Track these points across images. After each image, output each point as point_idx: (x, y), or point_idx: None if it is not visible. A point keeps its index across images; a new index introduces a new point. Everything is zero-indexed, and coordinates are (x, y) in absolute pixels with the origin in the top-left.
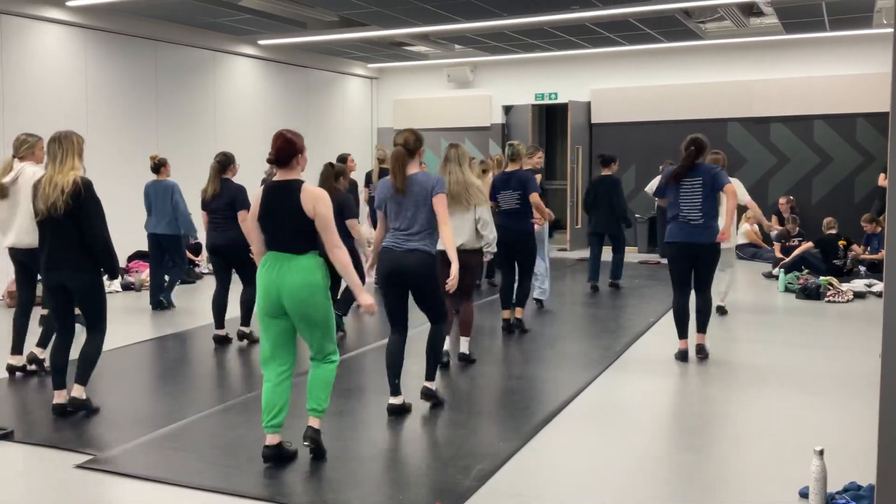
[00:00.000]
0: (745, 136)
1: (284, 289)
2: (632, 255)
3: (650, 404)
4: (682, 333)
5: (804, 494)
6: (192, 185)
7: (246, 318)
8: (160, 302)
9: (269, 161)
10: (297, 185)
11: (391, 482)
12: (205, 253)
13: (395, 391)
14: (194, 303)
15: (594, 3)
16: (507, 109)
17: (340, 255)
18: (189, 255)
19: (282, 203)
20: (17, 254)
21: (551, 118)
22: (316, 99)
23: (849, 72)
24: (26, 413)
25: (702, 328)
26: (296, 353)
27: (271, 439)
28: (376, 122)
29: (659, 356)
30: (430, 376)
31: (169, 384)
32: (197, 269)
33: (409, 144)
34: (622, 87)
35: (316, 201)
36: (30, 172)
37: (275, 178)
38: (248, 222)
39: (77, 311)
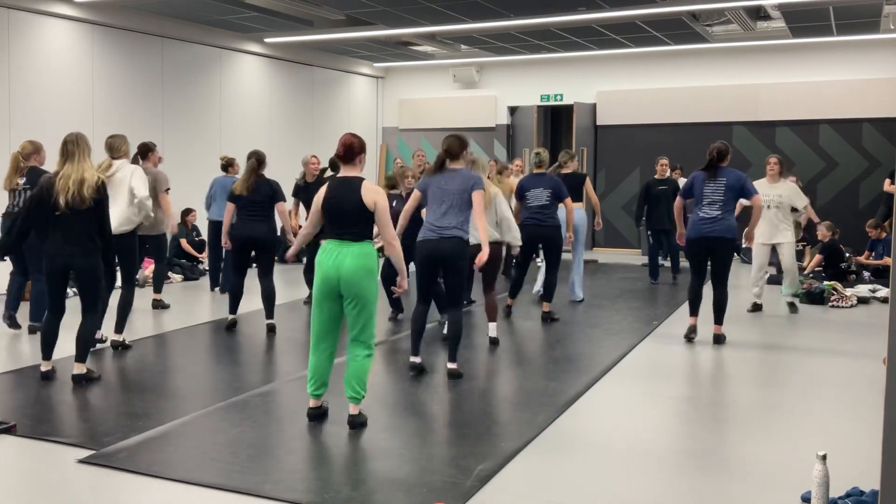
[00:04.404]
0: (750, 139)
1: (343, 271)
2: (634, 257)
3: (653, 408)
4: (694, 311)
5: (806, 499)
6: (195, 182)
7: (270, 312)
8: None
9: (336, 157)
10: (358, 181)
11: (392, 481)
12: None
13: (416, 352)
14: (192, 300)
15: (601, 5)
16: (513, 110)
17: (395, 248)
18: (193, 252)
19: (345, 196)
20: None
21: (556, 119)
22: (321, 97)
23: (855, 76)
24: (28, 407)
25: (718, 320)
26: (339, 336)
27: (314, 403)
28: (381, 121)
29: (659, 363)
30: (452, 358)
31: (171, 380)
32: (201, 266)
33: (453, 149)
34: (628, 90)
35: (376, 196)
36: (129, 169)
37: (339, 175)
38: (312, 209)
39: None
